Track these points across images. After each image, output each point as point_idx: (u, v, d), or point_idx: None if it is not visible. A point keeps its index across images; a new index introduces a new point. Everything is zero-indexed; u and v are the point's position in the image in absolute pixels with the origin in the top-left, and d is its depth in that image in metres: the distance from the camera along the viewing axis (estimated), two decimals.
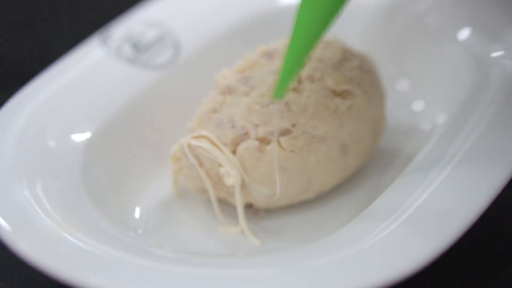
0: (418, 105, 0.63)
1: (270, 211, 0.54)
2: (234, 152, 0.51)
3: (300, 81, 0.52)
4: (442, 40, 0.62)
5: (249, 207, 0.54)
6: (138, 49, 0.60)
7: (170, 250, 0.50)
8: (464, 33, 0.61)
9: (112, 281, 0.42)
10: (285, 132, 0.51)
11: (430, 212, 0.45)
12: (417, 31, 0.63)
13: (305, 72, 0.53)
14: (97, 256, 0.44)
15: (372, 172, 0.57)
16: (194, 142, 0.52)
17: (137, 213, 0.54)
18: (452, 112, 0.56)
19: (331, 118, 0.52)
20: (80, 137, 0.54)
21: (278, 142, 0.51)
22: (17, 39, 0.76)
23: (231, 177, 0.51)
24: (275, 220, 0.54)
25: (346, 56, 0.55)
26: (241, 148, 0.51)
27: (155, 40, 0.62)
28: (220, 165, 0.51)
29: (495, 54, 0.58)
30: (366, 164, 0.58)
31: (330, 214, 0.54)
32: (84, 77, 0.58)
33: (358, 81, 0.54)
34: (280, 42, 0.56)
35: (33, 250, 0.44)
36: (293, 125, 0.51)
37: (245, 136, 0.51)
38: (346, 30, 0.64)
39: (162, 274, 0.43)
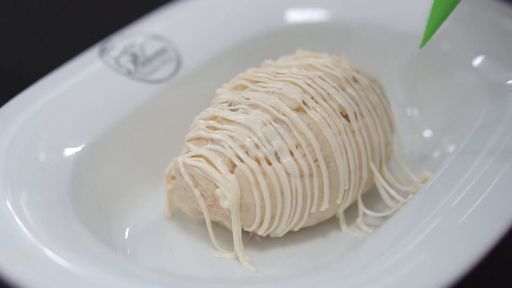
0: (427, 133, 0.60)
1: (269, 237, 0.52)
2: (232, 172, 0.48)
3: (304, 102, 0.50)
4: (455, 67, 0.60)
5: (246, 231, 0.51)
6: (138, 62, 0.58)
7: (158, 273, 0.47)
8: (478, 60, 0.58)
9: None
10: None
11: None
12: (430, 57, 0.61)
13: (311, 90, 0.50)
14: (78, 276, 0.41)
15: (376, 201, 0.55)
16: (190, 161, 0.49)
17: (127, 233, 0.52)
18: (464, 140, 0.54)
19: (335, 140, 0.49)
20: (71, 150, 0.51)
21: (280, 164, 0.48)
22: (19, 48, 0.74)
23: (227, 200, 0.48)
24: (273, 246, 0.51)
25: (355, 76, 0.53)
26: (239, 169, 0.48)
27: (156, 53, 0.59)
28: (216, 186, 0.48)
29: (510, 82, 0.55)
30: (369, 191, 0.55)
31: (330, 242, 0.52)
32: (80, 88, 0.55)
33: (365, 103, 0.52)
34: (289, 57, 0.54)
35: (10, 266, 0.41)
36: (296, 147, 0.49)
37: (244, 156, 0.48)
38: (357, 52, 0.62)
39: None
